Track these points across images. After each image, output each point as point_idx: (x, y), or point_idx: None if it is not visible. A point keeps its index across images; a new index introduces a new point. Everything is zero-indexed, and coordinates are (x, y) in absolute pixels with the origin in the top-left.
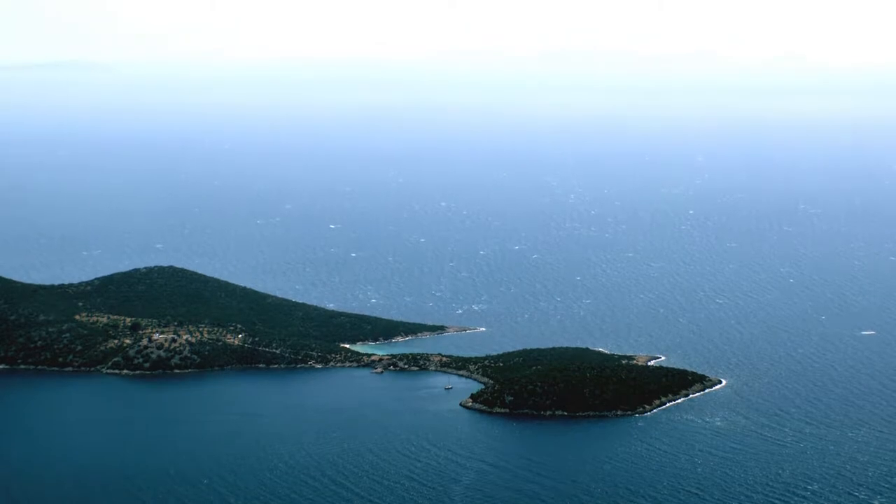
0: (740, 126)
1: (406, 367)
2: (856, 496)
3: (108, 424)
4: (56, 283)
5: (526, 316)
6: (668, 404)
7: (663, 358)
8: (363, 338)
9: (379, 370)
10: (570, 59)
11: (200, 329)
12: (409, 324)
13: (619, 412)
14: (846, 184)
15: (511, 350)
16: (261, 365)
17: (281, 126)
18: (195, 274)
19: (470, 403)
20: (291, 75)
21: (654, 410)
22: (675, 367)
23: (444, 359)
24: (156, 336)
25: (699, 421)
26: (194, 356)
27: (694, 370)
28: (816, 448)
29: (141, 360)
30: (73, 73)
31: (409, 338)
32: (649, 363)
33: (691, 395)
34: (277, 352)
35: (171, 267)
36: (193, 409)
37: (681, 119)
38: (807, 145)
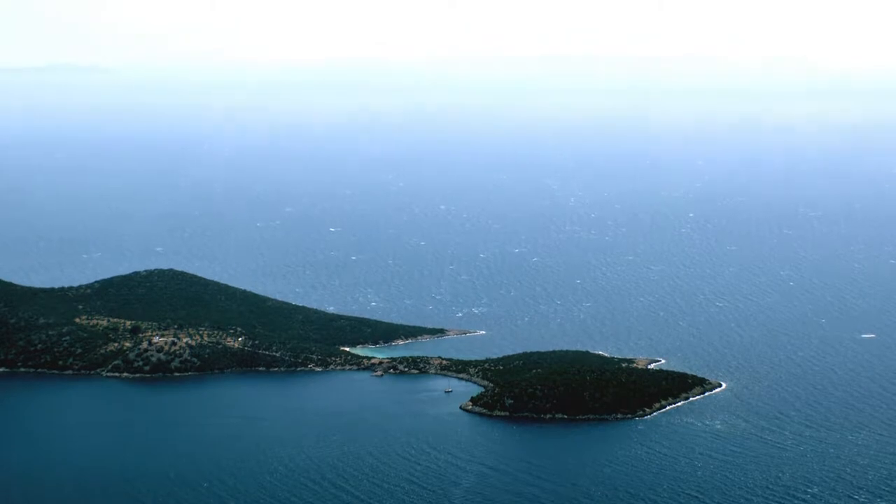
0: (740, 129)
1: (406, 370)
2: (856, 499)
3: (108, 427)
4: (56, 285)
5: (526, 319)
6: (668, 407)
7: (663, 361)
8: (363, 341)
9: (379, 373)
10: (569, 61)
11: (200, 332)
12: (409, 327)
13: (619, 415)
14: (846, 186)
15: (511, 353)
16: (261, 368)
17: (281, 128)
18: (195, 277)
19: (470, 406)
20: (291, 77)
21: (655, 413)
22: (675, 370)
23: (444, 362)
24: (156, 339)
25: (699, 424)
26: (194, 359)
27: (694, 373)
28: (816, 451)
29: (141, 363)
30: (73, 76)
31: (409, 341)
32: (649, 366)
33: (691, 399)
34: (277, 355)
35: (171, 270)
36: (193, 412)
37: (681, 122)
38: (806, 147)
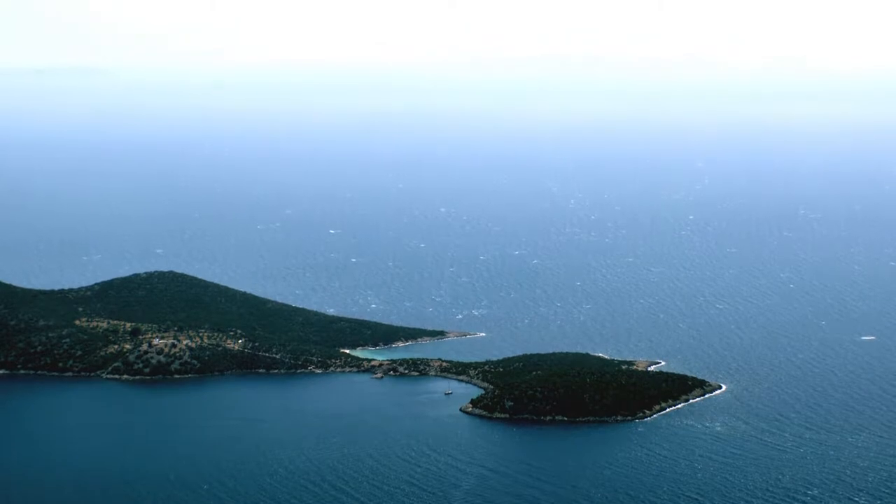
0: (740, 130)
1: (406, 372)
2: (856, 501)
3: (108, 429)
4: (56, 287)
5: (526, 321)
6: (668, 409)
7: (663, 363)
8: (363, 343)
9: (379, 375)
10: (569, 62)
11: (200, 334)
12: (409, 329)
13: (619, 417)
14: (846, 188)
15: (511, 355)
16: (261, 370)
17: (281, 130)
18: (195, 279)
19: (470, 408)
20: (291, 79)
21: (655, 415)
22: (676, 372)
23: (444, 364)
24: (156, 341)
25: (699, 426)
26: (194, 361)
27: (694, 375)
28: (816, 453)
29: (141, 365)
30: (73, 79)
31: (409, 343)
32: (649, 368)
33: (691, 401)
34: (277, 357)
35: (171, 272)
36: (193, 414)
37: (681, 123)
38: (807, 149)
